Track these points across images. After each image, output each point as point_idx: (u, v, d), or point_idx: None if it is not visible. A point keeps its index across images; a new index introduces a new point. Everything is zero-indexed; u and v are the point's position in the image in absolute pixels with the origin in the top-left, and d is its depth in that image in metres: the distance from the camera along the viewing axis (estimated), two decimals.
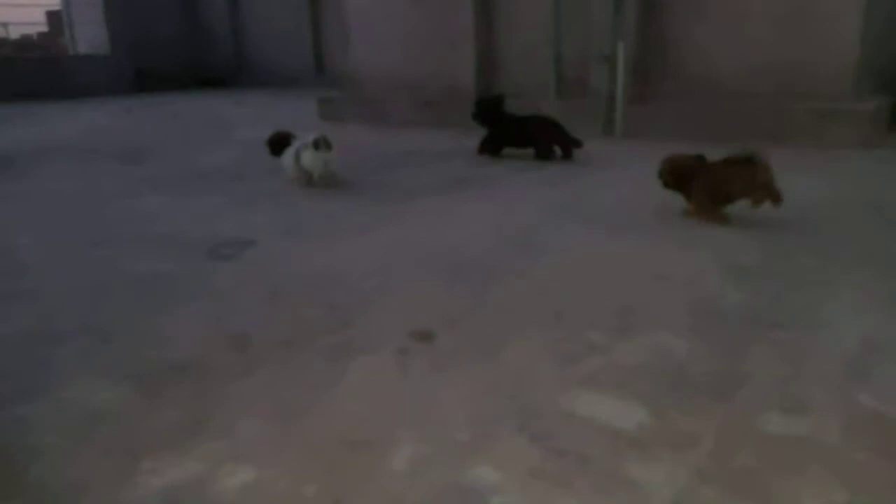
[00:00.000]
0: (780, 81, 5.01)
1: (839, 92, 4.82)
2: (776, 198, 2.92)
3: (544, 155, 4.64)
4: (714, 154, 3.03)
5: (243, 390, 1.63)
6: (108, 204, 3.73)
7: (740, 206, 2.94)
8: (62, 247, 2.89)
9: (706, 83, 5.32)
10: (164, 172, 4.61)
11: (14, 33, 18.81)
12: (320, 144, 3.75)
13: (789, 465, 1.28)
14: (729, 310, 2.03)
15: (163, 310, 2.16)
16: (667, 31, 5.45)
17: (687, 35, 5.37)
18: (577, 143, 4.60)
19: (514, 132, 4.76)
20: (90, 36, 13.13)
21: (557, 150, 4.67)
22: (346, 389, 1.63)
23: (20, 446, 1.40)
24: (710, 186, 3.02)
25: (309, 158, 3.77)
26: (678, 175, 3.14)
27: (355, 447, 1.38)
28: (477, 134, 4.98)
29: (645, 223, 3.06)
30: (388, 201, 3.64)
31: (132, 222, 3.31)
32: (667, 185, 3.18)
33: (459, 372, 1.69)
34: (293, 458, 1.34)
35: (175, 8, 14.82)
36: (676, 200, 3.11)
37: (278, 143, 4.04)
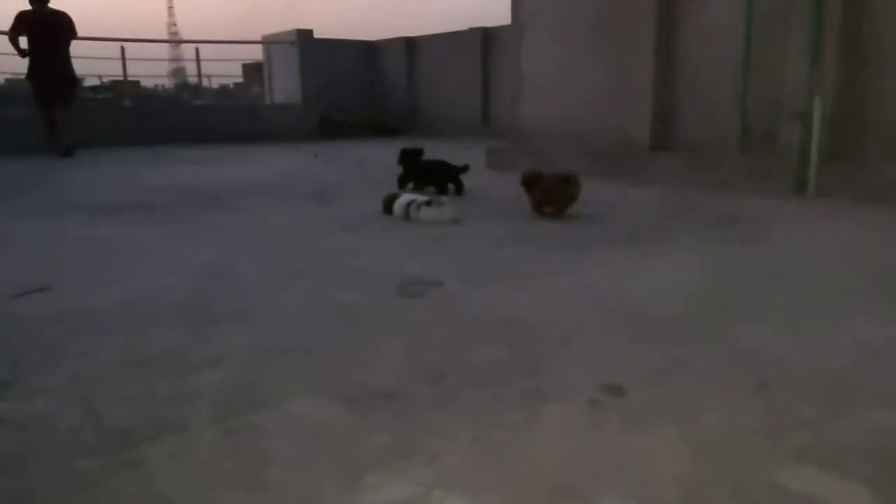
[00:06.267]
0: None
1: None
2: (559, 212, 4.57)
3: (440, 191, 5.81)
4: None
5: (443, 422, 1.71)
6: (306, 238, 4.11)
7: None
8: (272, 274, 3.24)
9: None
10: (351, 212, 5.00)
11: (214, 84, 21.71)
12: (433, 202, 4.62)
13: None
14: None
15: (364, 338, 2.34)
16: (875, 83, 5.04)
17: None
18: (463, 170, 5.85)
19: (422, 174, 6.06)
20: (284, 86, 14.67)
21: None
22: (542, 434, 1.66)
23: (258, 450, 1.58)
24: (543, 193, 4.60)
25: (429, 213, 4.58)
26: (526, 183, 4.70)
27: (559, 492, 1.40)
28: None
29: (846, 290, 2.83)
30: (561, 250, 3.68)
31: (329, 256, 3.62)
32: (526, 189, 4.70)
33: (658, 431, 1.66)
34: (499, 494, 1.39)
35: (360, 64, 16.30)
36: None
37: (389, 202, 4.85)
